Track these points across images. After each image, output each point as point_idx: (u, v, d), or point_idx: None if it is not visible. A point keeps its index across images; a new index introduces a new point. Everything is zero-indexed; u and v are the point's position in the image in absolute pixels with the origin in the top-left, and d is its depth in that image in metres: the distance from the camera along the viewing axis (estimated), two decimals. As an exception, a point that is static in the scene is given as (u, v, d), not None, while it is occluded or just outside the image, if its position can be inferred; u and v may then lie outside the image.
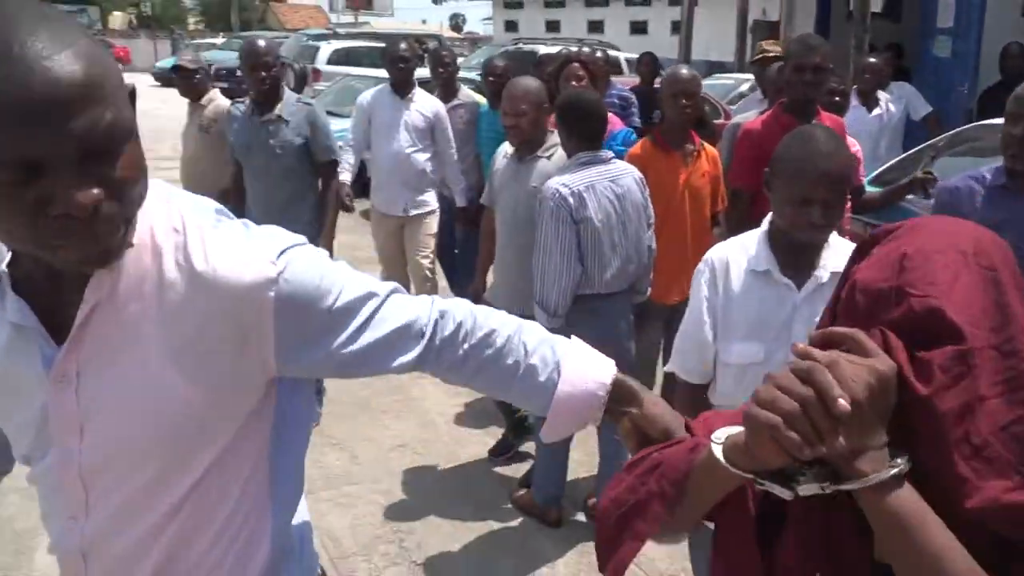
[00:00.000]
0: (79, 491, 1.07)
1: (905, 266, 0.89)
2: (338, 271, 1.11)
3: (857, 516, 0.86)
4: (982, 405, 0.81)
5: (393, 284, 1.19)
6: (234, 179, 4.31)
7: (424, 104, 4.85)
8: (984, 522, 0.80)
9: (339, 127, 7.32)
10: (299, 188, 4.14)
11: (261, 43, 4.06)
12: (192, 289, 1.00)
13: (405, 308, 1.16)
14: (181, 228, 1.03)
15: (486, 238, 3.81)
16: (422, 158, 4.80)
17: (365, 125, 4.87)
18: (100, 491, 1.07)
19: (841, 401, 0.78)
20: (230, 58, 22.78)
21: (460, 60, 6.75)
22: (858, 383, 0.80)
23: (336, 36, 19.04)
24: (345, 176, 4.77)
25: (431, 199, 4.91)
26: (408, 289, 5.19)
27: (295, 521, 1.27)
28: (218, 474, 1.09)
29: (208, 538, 1.12)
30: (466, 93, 5.52)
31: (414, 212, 4.83)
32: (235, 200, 4.33)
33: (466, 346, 1.19)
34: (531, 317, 2.25)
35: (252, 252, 1.02)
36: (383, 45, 6.86)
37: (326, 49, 16.72)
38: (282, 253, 1.03)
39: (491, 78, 5.21)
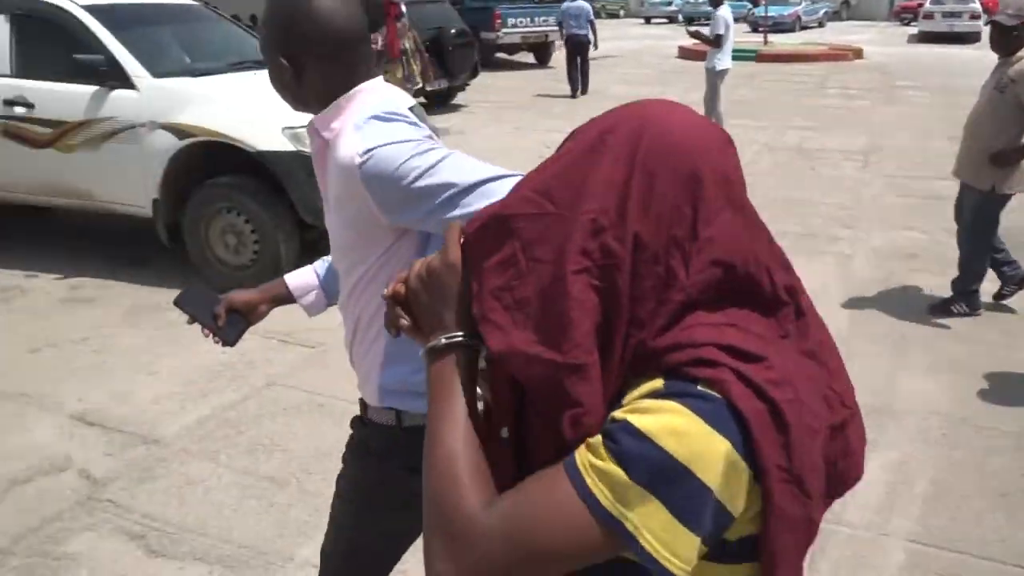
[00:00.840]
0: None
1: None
2: (425, 164, 1.48)
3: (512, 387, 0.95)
4: (535, 267, 0.89)
5: (488, 174, 1.48)
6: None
7: None
8: (504, 364, 0.91)
9: None
10: None
11: None
12: (338, 162, 1.55)
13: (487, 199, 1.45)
14: (352, 124, 1.56)
15: None
16: None
17: None
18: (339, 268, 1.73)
19: (383, 291, 1.02)
20: None
21: None
22: (413, 276, 0.99)
23: None
24: None
25: None
26: None
27: None
28: (373, 280, 1.63)
29: (365, 320, 1.68)
30: None
31: None
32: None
33: None
34: None
35: (355, 143, 1.52)
36: None
37: None
38: (370, 150, 1.50)
39: None
